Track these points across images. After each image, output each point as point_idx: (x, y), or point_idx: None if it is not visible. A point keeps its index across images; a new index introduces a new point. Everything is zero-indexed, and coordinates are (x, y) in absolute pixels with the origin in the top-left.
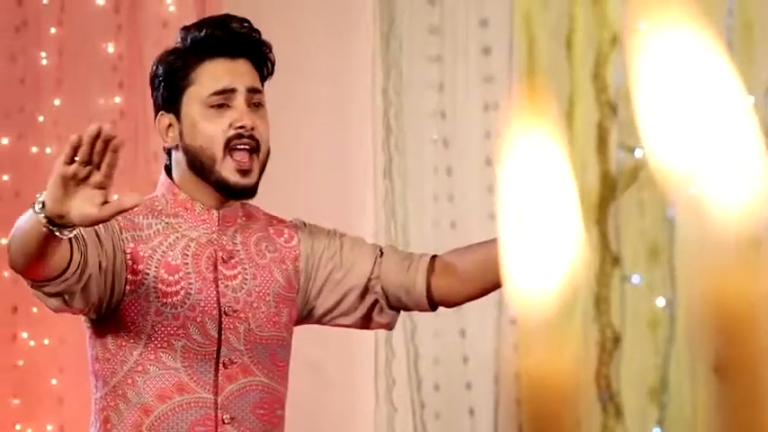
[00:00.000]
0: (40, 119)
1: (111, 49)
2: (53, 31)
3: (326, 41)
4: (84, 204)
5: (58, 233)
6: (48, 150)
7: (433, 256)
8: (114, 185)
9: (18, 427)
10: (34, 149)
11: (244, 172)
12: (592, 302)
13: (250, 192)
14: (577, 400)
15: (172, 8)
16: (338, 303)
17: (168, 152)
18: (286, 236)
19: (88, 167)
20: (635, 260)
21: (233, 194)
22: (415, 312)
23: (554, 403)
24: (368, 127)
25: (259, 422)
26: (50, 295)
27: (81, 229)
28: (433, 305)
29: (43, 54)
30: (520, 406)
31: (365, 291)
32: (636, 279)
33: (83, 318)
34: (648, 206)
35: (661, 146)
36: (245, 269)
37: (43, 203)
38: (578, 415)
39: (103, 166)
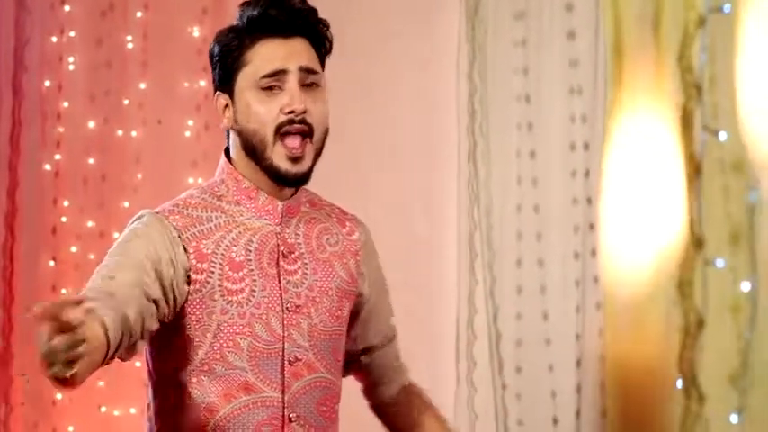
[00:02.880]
0: (126, 102)
1: (196, 32)
2: (139, 14)
3: (411, 26)
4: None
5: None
6: (133, 134)
7: (410, 384)
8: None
9: (103, 408)
10: (120, 133)
11: (295, 159)
12: (675, 286)
13: (302, 179)
14: (661, 384)
15: None
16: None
17: (228, 134)
18: (348, 228)
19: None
20: (718, 244)
21: (284, 182)
22: (498, 294)
23: (638, 386)
24: (452, 111)
25: (322, 419)
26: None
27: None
28: (374, 407)
29: (129, 38)
30: (603, 388)
31: (366, 350)
32: (720, 263)
33: None
34: (732, 190)
35: (745, 129)
36: (306, 264)
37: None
38: (661, 398)
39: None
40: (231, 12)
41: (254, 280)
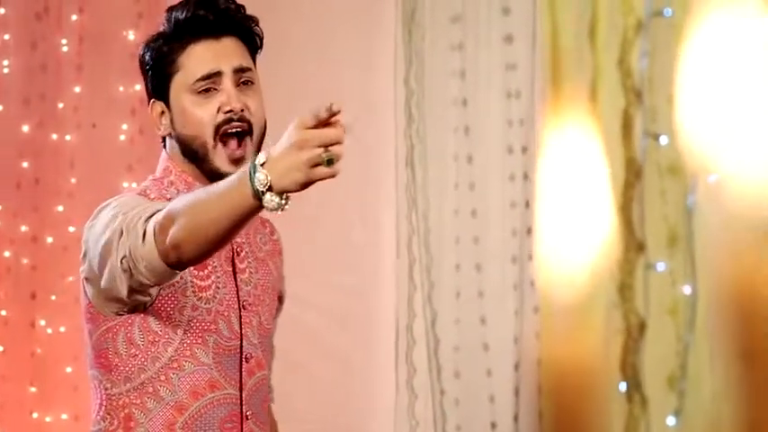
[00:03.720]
0: (60, 106)
1: (131, 36)
2: (74, 18)
3: (349, 29)
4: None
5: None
6: (67, 138)
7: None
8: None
9: (35, 415)
10: (54, 137)
11: (236, 161)
12: (616, 289)
13: None
14: (600, 388)
15: None
16: None
17: (164, 139)
18: (269, 229)
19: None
20: (658, 247)
21: None
22: (437, 299)
23: (576, 391)
24: (390, 115)
25: (265, 415)
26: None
27: None
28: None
29: (64, 41)
30: (541, 392)
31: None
32: (661, 266)
33: (90, 312)
34: (671, 194)
35: (685, 133)
36: (251, 262)
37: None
38: (601, 403)
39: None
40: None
41: (218, 277)
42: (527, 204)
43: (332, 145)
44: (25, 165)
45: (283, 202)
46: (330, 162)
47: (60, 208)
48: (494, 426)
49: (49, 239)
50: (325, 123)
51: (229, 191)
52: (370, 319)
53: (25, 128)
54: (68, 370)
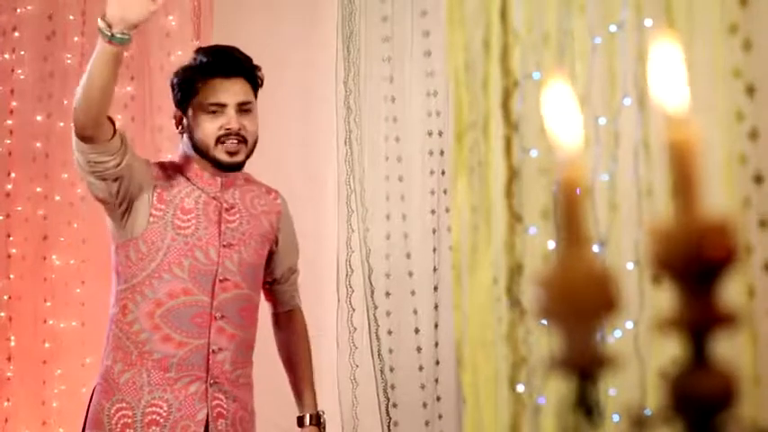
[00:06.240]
0: (65, 102)
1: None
2: (76, 39)
3: (300, 49)
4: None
5: (120, 40)
6: (71, 125)
7: (295, 310)
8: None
9: (50, 322)
10: (61, 124)
11: (231, 153)
12: (503, 245)
13: (237, 166)
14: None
15: (173, 22)
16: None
17: (182, 135)
18: (273, 195)
19: None
20: (532, 219)
21: (224, 168)
22: (370, 239)
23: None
24: (332, 108)
25: (241, 320)
26: (97, 170)
27: (127, 146)
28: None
29: (69, 56)
30: (454, 308)
31: (272, 281)
32: (533, 230)
33: (114, 237)
34: (541, 188)
35: (547, 147)
36: (243, 216)
37: (109, 24)
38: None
39: None
40: (152, 36)
41: (200, 222)
42: (443, 172)
43: None
44: (38, 144)
45: (127, 37)
46: None
47: (65, 175)
48: (417, 331)
49: (57, 198)
50: None
51: (96, 55)
52: (318, 255)
53: (39, 117)
54: (77, 291)
